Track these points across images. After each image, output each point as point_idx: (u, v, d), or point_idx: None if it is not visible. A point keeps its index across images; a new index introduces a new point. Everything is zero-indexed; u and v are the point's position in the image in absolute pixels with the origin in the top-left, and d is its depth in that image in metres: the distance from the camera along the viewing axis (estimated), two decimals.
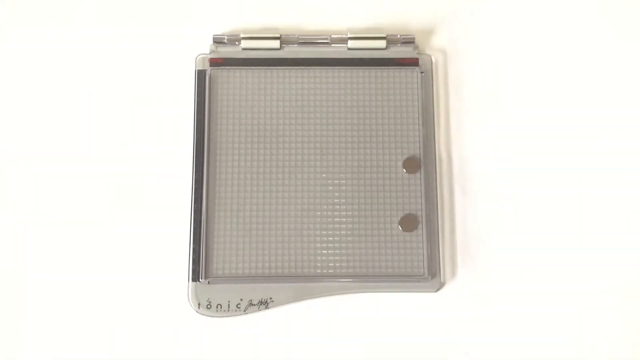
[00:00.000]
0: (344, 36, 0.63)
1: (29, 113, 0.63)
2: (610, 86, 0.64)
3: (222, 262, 0.59)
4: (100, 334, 0.59)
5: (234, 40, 0.63)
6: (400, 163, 0.61)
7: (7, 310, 0.59)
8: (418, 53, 0.64)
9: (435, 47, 0.65)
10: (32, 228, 0.60)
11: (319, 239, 0.59)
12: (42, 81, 0.63)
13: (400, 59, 0.63)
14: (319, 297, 0.59)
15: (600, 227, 0.61)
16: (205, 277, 0.59)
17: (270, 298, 0.58)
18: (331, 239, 0.60)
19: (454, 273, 0.60)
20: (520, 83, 0.64)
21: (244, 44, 0.63)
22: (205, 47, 0.63)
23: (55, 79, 0.63)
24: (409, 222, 0.60)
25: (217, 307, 0.58)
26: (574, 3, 0.66)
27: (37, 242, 0.60)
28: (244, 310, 0.58)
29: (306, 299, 0.59)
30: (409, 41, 0.64)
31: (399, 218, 0.60)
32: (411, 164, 0.61)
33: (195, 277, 0.58)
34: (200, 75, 0.62)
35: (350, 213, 0.60)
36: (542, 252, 0.60)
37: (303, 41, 0.63)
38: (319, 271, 0.59)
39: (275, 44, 0.63)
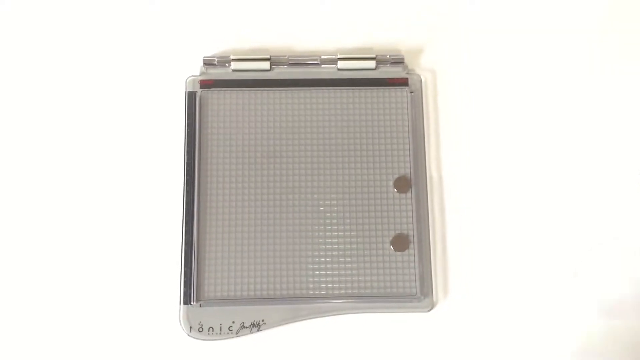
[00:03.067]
0: (333, 57, 0.64)
1: (19, 125, 0.63)
2: (593, 106, 0.64)
3: (214, 284, 0.59)
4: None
5: (224, 61, 0.63)
6: (391, 183, 0.61)
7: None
8: (407, 73, 0.64)
9: (425, 66, 0.65)
10: (19, 249, 0.60)
11: (310, 259, 0.59)
12: (35, 98, 0.63)
13: (389, 79, 0.64)
14: (312, 318, 0.58)
15: (593, 246, 0.61)
16: (197, 300, 0.58)
17: (263, 320, 0.58)
18: (323, 259, 0.59)
19: (446, 293, 0.60)
20: (510, 102, 0.64)
21: (234, 65, 0.63)
22: (195, 69, 0.63)
23: (47, 99, 0.63)
24: (400, 242, 0.60)
25: (209, 330, 0.58)
26: (560, 25, 0.67)
27: (26, 260, 0.60)
28: (236, 333, 0.58)
29: (299, 320, 0.58)
30: (398, 61, 0.64)
31: (391, 238, 0.60)
32: (402, 184, 0.61)
33: (187, 299, 0.58)
34: (191, 97, 0.63)
35: (341, 233, 0.60)
36: (535, 271, 0.60)
37: (293, 62, 0.64)
38: (311, 292, 0.59)
39: (265, 65, 0.63)
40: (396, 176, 0.61)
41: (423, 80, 0.64)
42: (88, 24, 0.65)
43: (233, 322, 0.58)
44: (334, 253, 0.59)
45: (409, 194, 0.61)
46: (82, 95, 0.64)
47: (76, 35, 0.65)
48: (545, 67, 0.65)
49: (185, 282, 0.58)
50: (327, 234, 0.60)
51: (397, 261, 0.60)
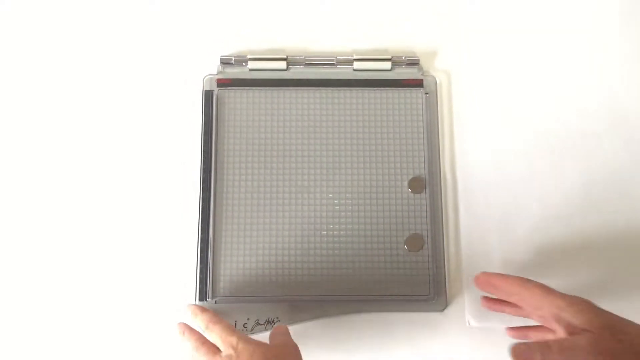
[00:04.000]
0: (349, 57, 0.64)
1: (39, 124, 0.64)
2: (606, 104, 0.65)
3: (229, 281, 0.59)
4: (105, 356, 0.59)
5: (241, 61, 0.64)
6: (405, 183, 0.62)
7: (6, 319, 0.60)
8: (423, 74, 0.65)
9: (440, 68, 0.66)
10: (43, 249, 0.61)
11: (325, 258, 0.60)
12: (56, 96, 0.64)
13: (405, 80, 0.64)
14: (325, 317, 0.59)
15: (607, 252, 0.61)
16: (212, 297, 0.59)
17: (277, 318, 0.58)
18: (337, 258, 0.60)
19: (459, 293, 0.60)
20: (525, 104, 0.65)
21: (251, 64, 0.64)
22: (212, 68, 0.64)
23: (68, 98, 0.64)
24: (414, 242, 0.60)
25: None
26: (575, 27, 0.67)
27: (47, 258, 0.61)
28: (251, 330, 0.58)
29: (313, 319, 0.59)
30: (413, 62, 0.64)
31: (405, 238, 0.60)
32: (416, 184, 0.62)
33: (202, 296, 0.59)
34: (208, 96, 0.63)
35: (356, 233, 0.60)
36: (546, 268, 0.60)
37: (309, 62, 0.64)
38: (325, 291, 0.59)
39: (282, 64, 0.64)
40: (411, 177, 0.62)
41: (438, 81, 0.65)
42: (107, 23, 0.66)
43: (248, 319, 0.58)
44: (348, 252, 0.60)
45: (423, 195, 0.61)
46: (101, 94, 0.64)
47: (95, 35, 0.66)
48: (561, 69, 0.66)
49: (201, 278, 0.59)
50: (341, 232, 0.60)
51: (411, 261, 0.60)
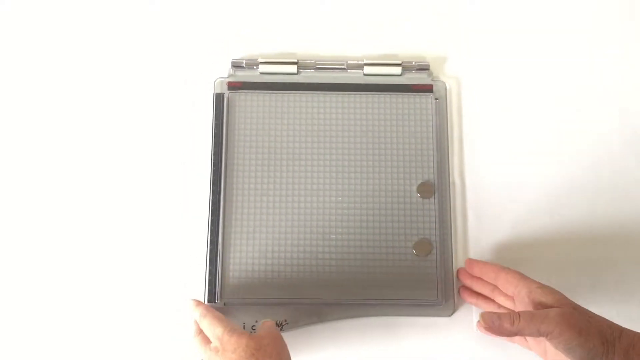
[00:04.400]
0: (360, 62, 0.64)
1: (53, 127, 0.64)
2: (621, 108, 0.65)
3: (238, 284, 0.59)
4: (112, 355, 0.59)
5: (252, 64, 0.64)
6: (414, 188, 0.62)
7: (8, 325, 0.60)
8: (432, 80, 0.65)
9: (449, 74, 0.66)
10: (60, 258, 0.61)
11: (334, 262, 0.60)
12: (69, 99, 0.65)
13: (415, 85, 0.64)
14: (334, 320, 0.59)
15: (616, 253, 0.62)
16: (221, 299, 0.59)
17: (285, 320, 0.59)
18: (346, 262, 0.60)
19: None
20: (533, 110, 0.65)
21: (262, 68, 0.64)
22: (223, 71, 0.64)
23: (81, 99, 0.65)
24: (423, 247, 0.60)
25: None
26: (586, 28, 0.68)
27: (60, 261, 0.61)
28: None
29: (321, 322, 0.59)
30: (423, 68, 0.65)
31: (413, 242, 0.60)
32: (425, 189, 0.62)
33: (211, 298, 0.59)
34: (219, 99, 0.63)
35: (364, 237, 0.61)
36: (555, 276, 0.60)
37: (320, 66, 0.64)
38: (333, 294, 0.59)
39: (293, 68, 0.64)
40: (420, 181, 0.62)
41: (448, 87, 0.65)
42: (118, 26, 0.66)
43: (256, 322, 0.58)
44: (357, 256, 0.60)
45: (432, 200, 0.62)
46: (113, 96, 0.65)
47: (106, 38, 0.66)
48: (570, 75, 0.66)
49: (210, 281, 0.59)
50: (350, 237, 0.60)
51: (419, 266, 0.60)
